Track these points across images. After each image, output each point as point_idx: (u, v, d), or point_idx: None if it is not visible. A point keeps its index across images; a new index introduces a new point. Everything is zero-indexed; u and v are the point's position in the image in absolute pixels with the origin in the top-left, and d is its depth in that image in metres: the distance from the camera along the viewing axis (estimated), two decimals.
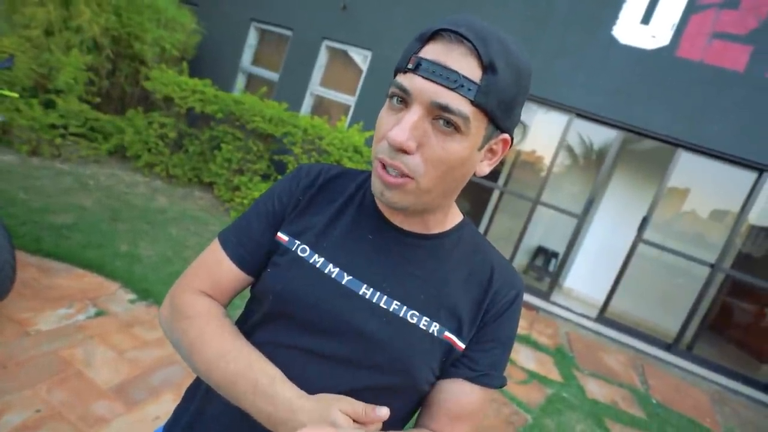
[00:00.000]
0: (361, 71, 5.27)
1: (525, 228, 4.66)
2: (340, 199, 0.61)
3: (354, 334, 0.53)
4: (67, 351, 1.94)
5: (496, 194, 5.83)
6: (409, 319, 0.54)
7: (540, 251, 5.98)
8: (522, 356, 3.37)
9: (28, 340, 1.93)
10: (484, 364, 0.56)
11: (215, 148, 4.47)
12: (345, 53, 5.51)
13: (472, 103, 0.46)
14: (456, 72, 0.45)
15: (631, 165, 5.75)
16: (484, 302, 0.57)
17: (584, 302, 5.32)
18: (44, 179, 3.69)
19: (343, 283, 0.55)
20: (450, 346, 0.55)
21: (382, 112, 0.52)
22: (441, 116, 0.47)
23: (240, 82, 5.84)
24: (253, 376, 0.50)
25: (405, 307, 0.54)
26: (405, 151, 0.48)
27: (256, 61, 5.94)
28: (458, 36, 0.46)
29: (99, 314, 2.29)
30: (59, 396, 1.69)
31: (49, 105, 4.12)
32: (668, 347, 4.28)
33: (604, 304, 4.52)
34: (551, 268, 5.75)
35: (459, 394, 0.55)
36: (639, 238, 4.31)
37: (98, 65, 4.58)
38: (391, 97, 0.51)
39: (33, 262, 2.58)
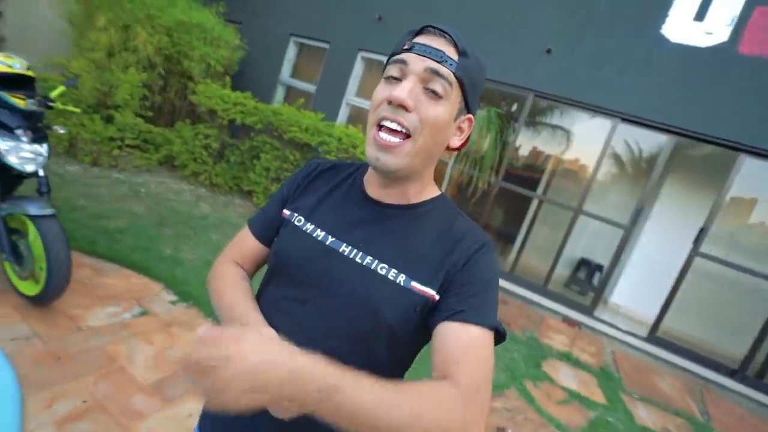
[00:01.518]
0: None
1: (566, 239, 4.44)
2: (332, 183, 0.74)
3: (334, 284, 0.63)
4: (112, 347, 2.06)
5: (534, 203, 5.62)
6: (379, 271, 0.62)
7: (583, 264, 5.67)
8: (561, 374, 3.18)
9: (79, 334, 2.07)
10: (460, 304, 0.60)
11: (255, 158, 4.65)
12: (380, 63, 5.58)
13: (454, 74, 0.60)
14: (442, 51, 0.59)
15: (685, 172, 5.35)
16: (452, 255, 0.63)
17: (632, 319, 4.97)
18: (102, 187, 3.99)
19: (327, 243, 0.66)
20: (421, 297, 0.61)
21: (378, 88, 0.63)
22: (430, 83, 0.59)
23: (279, 94, 6.07)
24: (232, 310, 0.66)
25: (376, 261, 0.63)
26: (405, 108, 0.58)
27: (294, 74, 6.16)
28: (440, 31, 0.60)
29: (143, 314, 2.42)
30: (103, 389, 1.79)
31: (109, 120, 4.48)
32: (733, 373, 3.88)
33: (655, 323, 4.19)
34: (595, 281, 5.43)
35: (445, 336, 0.58)
36: (695, 252, 3.98)
37: (152, 82, 4.93)
38: (387, 78, 0.62)
39: (88, 263, 2.78)
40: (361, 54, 5.43)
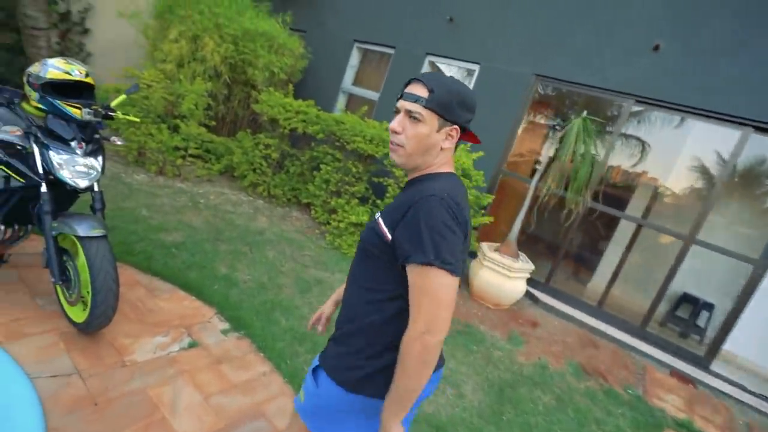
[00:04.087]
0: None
1: (674, 272, 3.68)
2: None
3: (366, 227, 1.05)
4: (156, 390, 1.80)
5: (625, 226, 4.83)
6: (377, 213, 1.03)
7: (685, 300, 4.77)
8: None
9: (122, 372, 1.84)
10: (405, 250, 0.87)
11: (315, 169, 4.41)
12: (449, 69, 5.15)
13: (425, 107, 0.93)
14: (416, 95, 0.93)
15: None
16: (400, 214, 0.91)
17: (763, 378, 4.02)
18: (164, 197, 3.94)
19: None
20: (378, 227, 0.96)
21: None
22: (411, 114, 0.94)
23: (340, 102, 5.86)
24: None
25: (379, 211, 1.04)
26: (396, 132, 0.96)
27: (356, 81, 5.92)
28: (418, 80, 0.95)
29: (192, 345, 2.17)
30: None
31: (175, 129, 4.48)
32: None
33: None
34: (701, 322, 4.53)
35: (407, 281, 0.89)
36: None
37: (216, 91, 4.90)
38: (395, 111, 0.99)
39: (143, 281, 2.61)
40: (429, 59, 5.04)
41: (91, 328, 1.89)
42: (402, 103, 0.95)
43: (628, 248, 4.51)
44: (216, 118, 5.08)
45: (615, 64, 3.89)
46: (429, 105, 0.91)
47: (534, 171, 5.32)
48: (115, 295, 1.83)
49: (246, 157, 4.64)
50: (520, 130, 4.60)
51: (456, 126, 0.96)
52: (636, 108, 3.92)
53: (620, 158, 4.56)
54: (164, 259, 2.93)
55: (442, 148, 0.97)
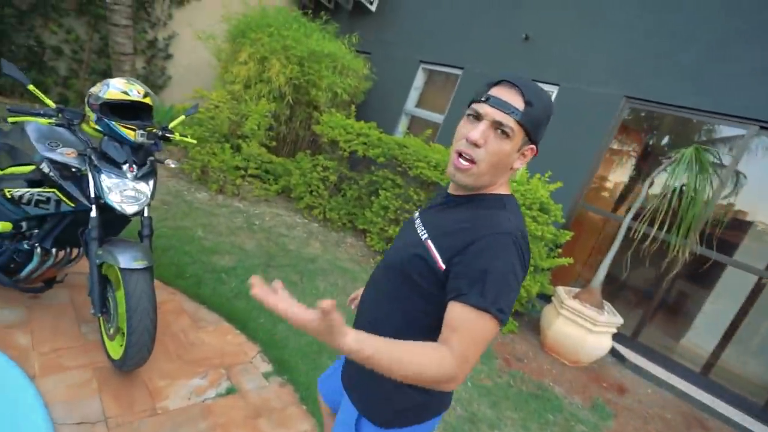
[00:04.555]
0: None
1: None
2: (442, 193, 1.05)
3: (399, 238, 1.02)
4: None
5: (738, 275, 3.99)
6: (417, 229, 0.91)
7: None
8: None
9: (151, 424, 1.64)
10: (461, 286, 0.76)
11: (373, 194, 4.18)
12: None
13: (517, 122, 0.79)
14: (510, 104, 0.79)
15: None
16: (458, 239, 0.81)
17: None
18: (221, 217, 3.90)
19: (413, 219, 0.99)
20: (429, 253, 0.83)
21: (461, 122, 0.86)
22: (498, 128, 0.80)
23: (403, 124, 5.65)
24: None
25: (420, 225, 0.92)
26: (476, 145, 0.81)
27: (419, 103, 5.69)
28: (512, 84, 0.80)
29: (230, 391, 1.94)
30: None
31: (238, 149, 4.51)
32: None
33: None
34: None
35: (448, 312, 0.77)
36: None
37: (280, 112, 4.91)
38: (468, 115, 0.84)
39: (189, 310, 2.48)
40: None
41: (126, 368, 1.72)
42: (489, 111, 0.79)
43: (748, 308, 3.67)
44: (277, 138, 5.08)
45: (732, 85, 3.26)
46: (523, 120, 0.79)
47: (617, 206, 4.67)
48: (152, 336, 1.65)
49: (303, 178, 4.54)
50: (603, 159, 4.05)
51: (534, 146, 0.85)
52: (763, 136, 3.23)
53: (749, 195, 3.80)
54: (213, 284, 2.80)
55: (511, 168, 0.86)
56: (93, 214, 1.71)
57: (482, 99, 0.80)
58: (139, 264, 1.62)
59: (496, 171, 0.83)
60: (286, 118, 5.09)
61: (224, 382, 2.00)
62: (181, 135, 2.09)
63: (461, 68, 5.02)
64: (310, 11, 5.84)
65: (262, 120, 4.42)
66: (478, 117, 0.81)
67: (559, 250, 3.63)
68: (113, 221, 1.87)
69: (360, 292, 1.21)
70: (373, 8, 6.22)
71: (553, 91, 4.29)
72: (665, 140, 4.33)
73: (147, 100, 1.79)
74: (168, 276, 2.73)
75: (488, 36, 4.82)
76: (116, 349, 1.77)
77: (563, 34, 4.23)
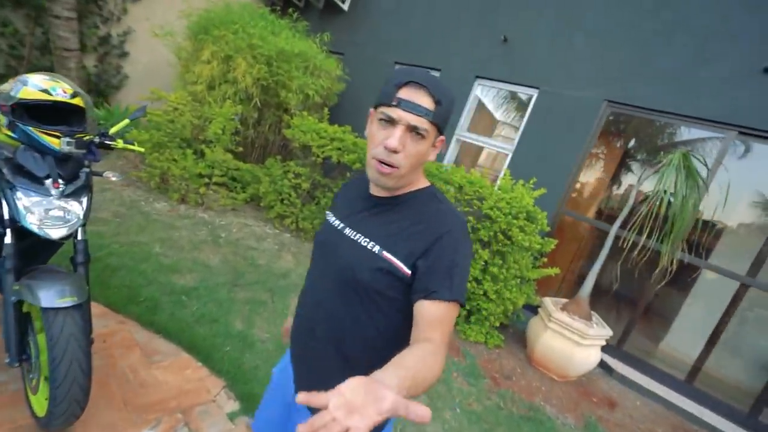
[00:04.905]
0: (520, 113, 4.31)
1: None
2: (357, 189, 1.00)
3: (335, 253, 0.92)
4: None
5: (721, 282, 4.01)
6: (360, 242, 0.88)
7: None
8: None
9: None
10: (430, 285, 0.79)
11: None
12: (496, 93, 4.64)
13: (430, 122, 0.81)
14: (421, 106, 0.79)
15: None
16: (420, 240, 0.82)
17: None
18: (183, 229, 3.55)
19: (338, 227, 0.95)
20: (389, 263, 0.83)
21: (372, 128, 0.86)
22: (414, 130, 0.81)
23: None
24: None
25: (360, 236, 0.89)
26: (395, 152, 0.81)
27: None
28: (420, 85, 0.80)
29: None
30: None
31: (201, 155, 4.15)
32: None
33: None
34: None
35: (423, 311, 0.79)
36: None
37: (247, 114, 4.58)
38: (380, 120, 0.83)
39: (141, 340, 2.16)
40: (478, 82, 4.55)
41: (53, 427, 1.40)
42: (402, 115, 0.80)
43: (728, 309, 3.67)
44: (245, 143, 4.75)
45: (710, 89, 3.24)
46: (435, 120, 0.81)
47: (600, 211, 4.63)
48: (83, 388, 1.35)
49: (274, 186, 4.23)
50: (584, 165, 3.98)
51: (443, 136, 0.89)
52: (744, 142, 3.22)
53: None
54: (172, 308, 2.48)
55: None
56: (8, 240, 1.39)
57: (393, 103, 0.80)
58: (65, 302, 1.32)
59: (415, 169, 0.86)
60: (253, 122, 4.77)
61: (181, 430, 1.70)
62: (125, 142, 1.78)
63: (438, 70, 4.87)
64: (278, 8, 5.54)
65: (227, 123, 4.09)
66: (391, 121, 0.80)
67: (545, 259, 3.51)
68: (37, 247, 1.55)
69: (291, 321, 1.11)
70: (345, 7, 5.98)
71: (532, 94, 4.19)
72: (647, 145, 4.32)
73: (76, 101, 1.48)
74: (118, 301, 2.40)
75: (466, 37, 4.69)
76: (41, 404, 1.45)
77: (542, 36, 4.15)
